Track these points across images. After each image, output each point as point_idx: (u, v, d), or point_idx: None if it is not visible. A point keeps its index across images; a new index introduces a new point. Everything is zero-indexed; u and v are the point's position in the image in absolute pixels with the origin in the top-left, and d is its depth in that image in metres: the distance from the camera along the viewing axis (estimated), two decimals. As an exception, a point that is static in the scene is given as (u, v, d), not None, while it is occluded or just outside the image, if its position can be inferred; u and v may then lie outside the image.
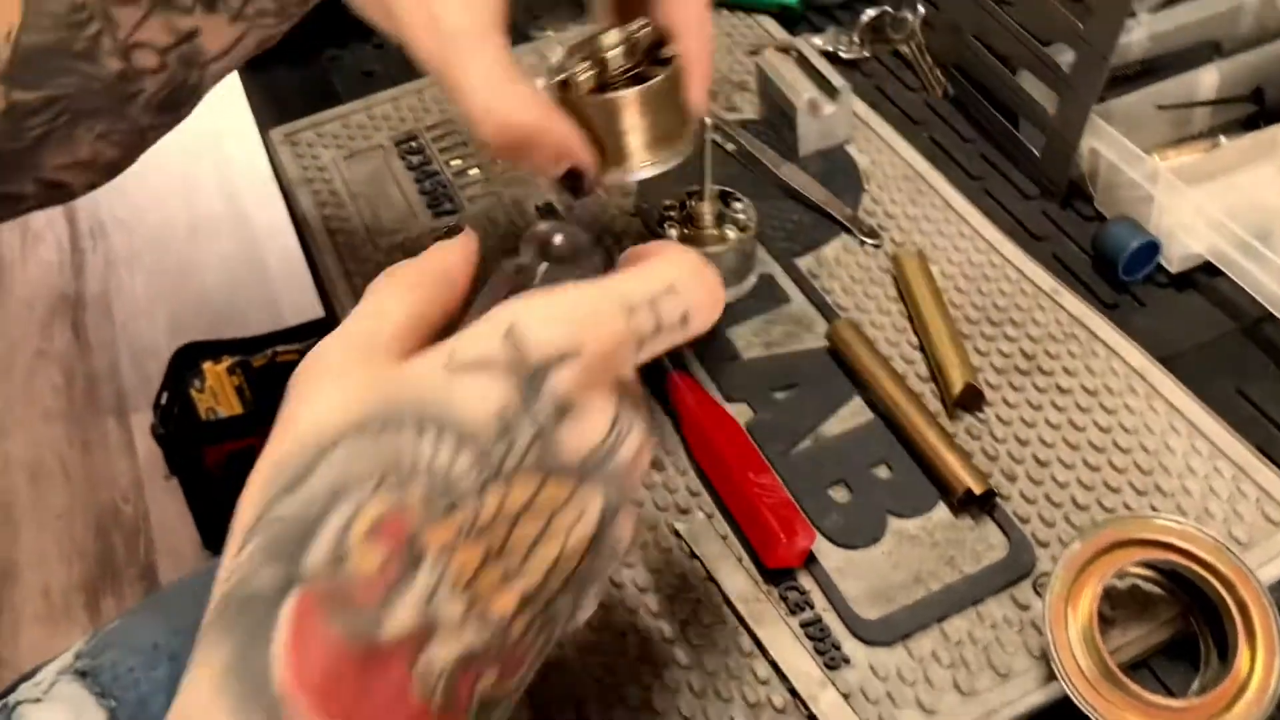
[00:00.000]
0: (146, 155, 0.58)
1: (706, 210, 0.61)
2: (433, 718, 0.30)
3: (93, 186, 0.58)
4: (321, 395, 0.33)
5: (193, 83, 0.54)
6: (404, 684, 0.30)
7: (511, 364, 0.31)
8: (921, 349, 0.60)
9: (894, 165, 0.69)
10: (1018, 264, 0.63)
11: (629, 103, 0.45)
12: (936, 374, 0.58)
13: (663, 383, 0.59)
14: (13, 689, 0.87)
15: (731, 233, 0.61)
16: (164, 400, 1.65)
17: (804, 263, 0.65)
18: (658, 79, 0.45)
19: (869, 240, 0.65)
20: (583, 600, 0.35)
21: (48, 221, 2.38)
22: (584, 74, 0.46)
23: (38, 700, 0.83)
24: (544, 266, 0.39)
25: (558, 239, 0.40)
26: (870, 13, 0.77)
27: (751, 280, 0.63)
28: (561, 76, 0.46)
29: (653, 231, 0.64)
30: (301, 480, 0.31)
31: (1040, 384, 0.58)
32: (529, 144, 0.44)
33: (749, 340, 0.62)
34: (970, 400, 0.57)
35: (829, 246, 0.66)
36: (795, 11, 0.80)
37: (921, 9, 0.77)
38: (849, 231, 0.66)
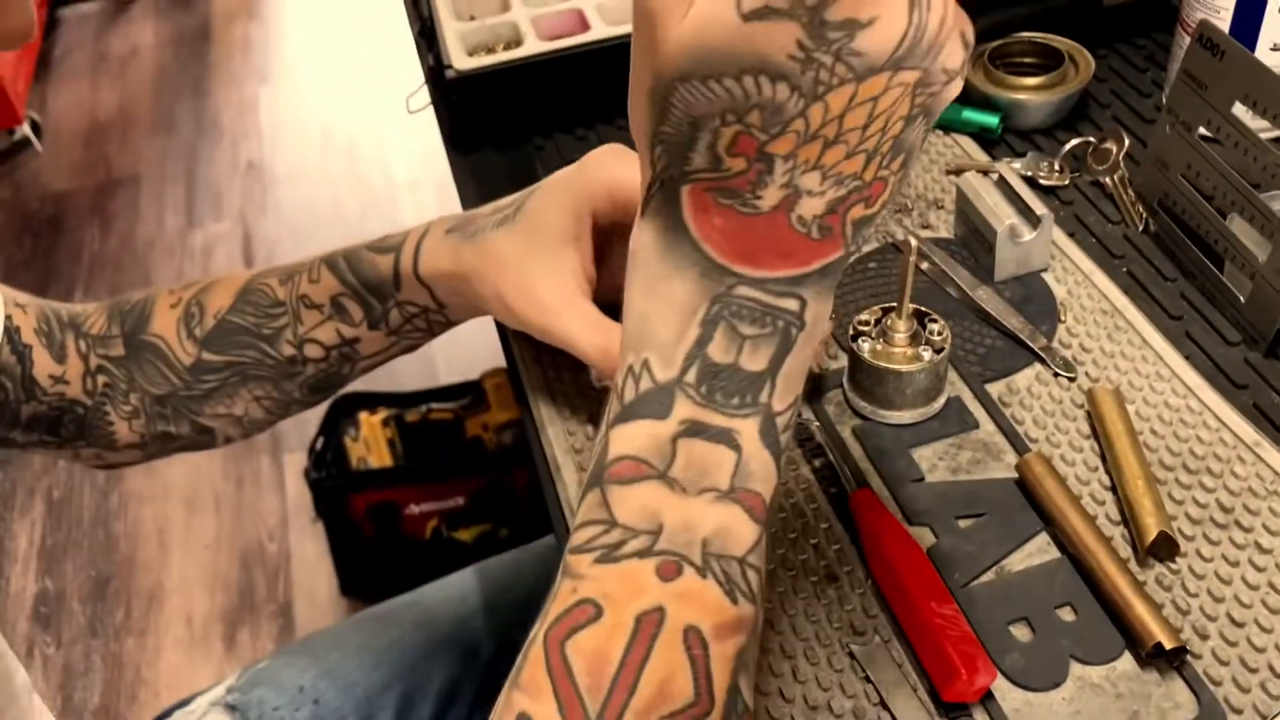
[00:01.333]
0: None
1: (901, 328, 0.61)
2: (814, 244, 0.39)
3: (229, 441, 0.71)
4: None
5: (344, 374, 0.68)
6: (786, 230, 0.39)
7: (791, 4, 0.35)
8: (1113, 490, 0.58)
9: (1091, 297, 0.69)
10: (1218, 412, 0.62)
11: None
12: (1128, 518, 0.57)
13: (845, 501, 0.59)
14: (168, 714, 0.91)
15: (926, 353, 0.61)
16: (319, 445, 1.71)
17: (995, 389, 0.65)
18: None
19: (1064, 373, 0.64)
20: (923, 126, 0.40)
21: (227, 263, 2.50)
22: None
23: (194, 726, 0.86)
24: None
25: None
26: (1073, 141, 0.77)
27: (941, 402, 0.63)
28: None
29: (844, 347, 0.65)
30: (664, 114, 0.38)
31: (1238, 539, 0.56)
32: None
33: (934, 463, 0.61)
34: (1163, 549, 0.55)
35: (1021, 375, 0.65)
36: (994, 134, 0.80)
37: (1126, 141, 0.77)
38: (1043, 362, 0.65)
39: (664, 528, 0.39)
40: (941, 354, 0.61)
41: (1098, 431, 0.61)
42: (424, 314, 0.66)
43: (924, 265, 0.71)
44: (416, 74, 0.98)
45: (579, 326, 0.59)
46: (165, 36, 3.33)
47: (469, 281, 0.62)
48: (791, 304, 0.40)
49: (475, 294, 0.62)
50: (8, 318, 0.64)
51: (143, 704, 1.78)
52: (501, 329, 0.70)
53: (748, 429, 0.40)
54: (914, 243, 0.58)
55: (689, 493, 0.40)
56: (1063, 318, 0.68)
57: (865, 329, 0.63)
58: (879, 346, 0.62)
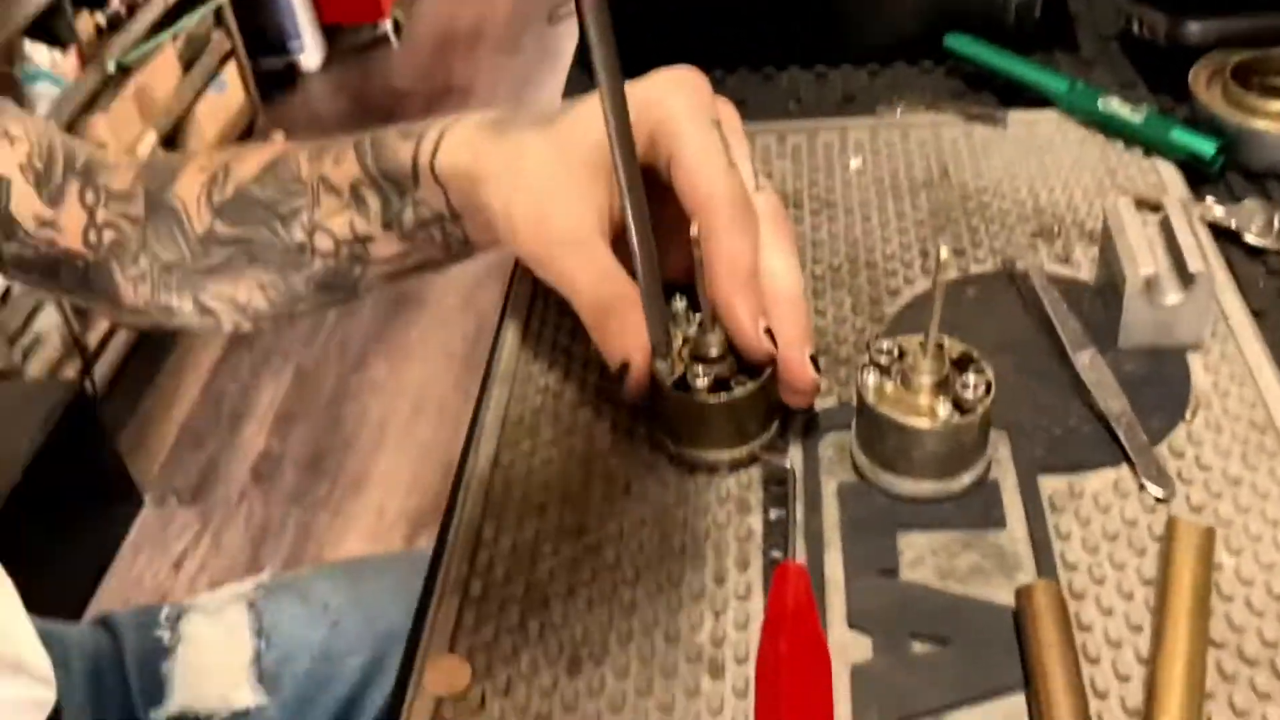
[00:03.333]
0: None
1: (925, 370, 0.46)
2: None
3: (235, 328, 0.66)
4: None
5: (353, 277, 0.60)
6: None
7: None
8: (1149, 665, 0.41)
9: (1244, 401, 0.49)
10: (1364, 603, 0.42)
11: (711, 406, 0.47)
12: (1146, 713, 0.39)
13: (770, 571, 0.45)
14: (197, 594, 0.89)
15: (944, 410, 0.45)
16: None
17: (1050, 485, 0.47)
18: (741, 391, 0.47)
19: (1154, 487, 0.46)
20: None
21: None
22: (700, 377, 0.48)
23: (207, 613, 0.83)
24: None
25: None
26: (1309, 194, 0.57)
27: (965, 481, 0.47)
28: (674, 377, 0.48)
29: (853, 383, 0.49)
30: None
31: (1308, 797, 0.37)
32: (608, 331, 0.48)
33: (921, 557, 0.45)
34: (1177, 774, 0.38)
35: (1095, 476, 0.47)
36: (1209, 167, 0.60)
37: (1391, 209, 0.55)
38: (1132, 466, 0.47)
39: None
40: (970, 415, 0.45)
41: (1162, 581, 0.43)
42: (439, 223, 0.56)
43: (1046, 300, 0.54)
44: None
45: (584, 269, 0.49)
46: (535, -38, 3.42)
47: (483, 186, 0.52)
48: None
49: (485, 205, 0.52)
50: None
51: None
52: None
53: None
54: (945, 254, 0.42)
55: None
56: (1189, 417, 0.49)
57: (882, 359, 0.47)
58: (889, 387, 0.46)
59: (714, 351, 0.47)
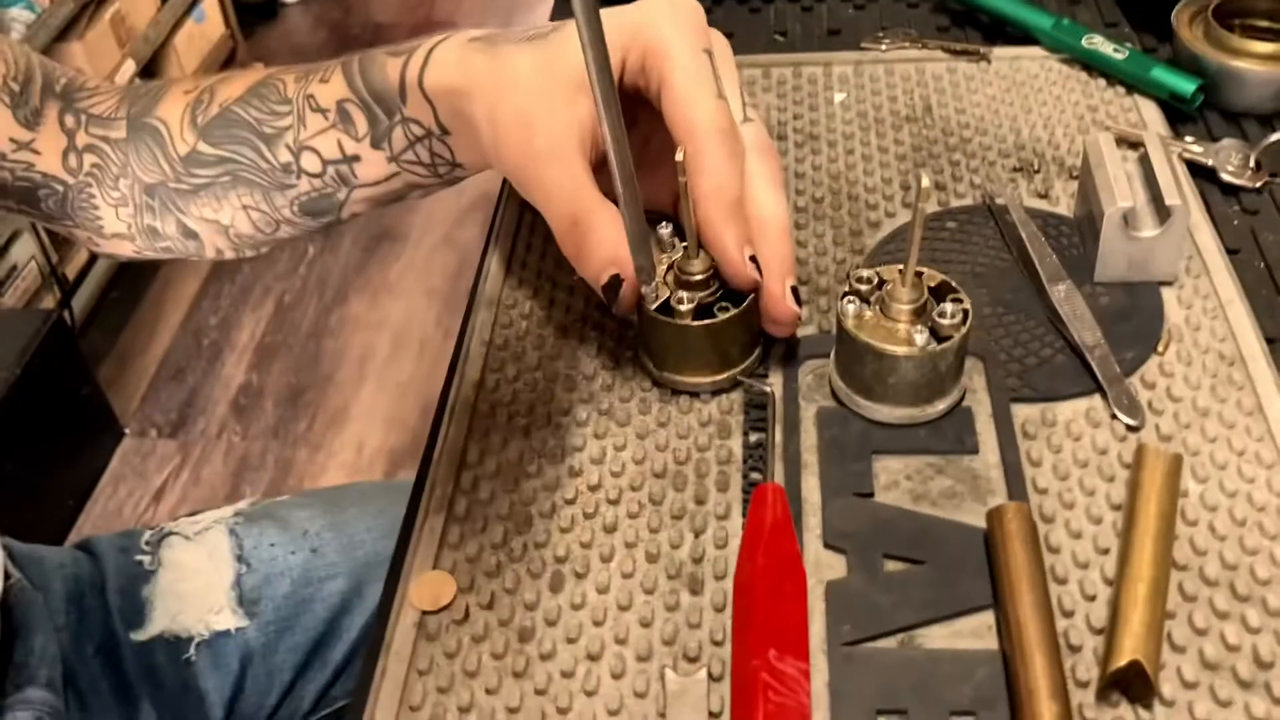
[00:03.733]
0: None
1: (904, 299, 0.46)
2: None
3: (218, 253, 0.65)
4: None
5: (337, 199, 0.59)
6: None
7: None
8: (1115, 585, 0.42)
9: (1215, 334, 0.50)
10: (1322, 529, 0.43)
11: (696, 330, 0.48)
12: (1109, 631, 0.40)
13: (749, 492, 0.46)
14: (177, 519, 0.89)
15: (921, 337, 0.46)
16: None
17: (1024, 412, 0.48)
18: (724, 317, 0.48)
19: (1124, 417, 0.47)
20: None
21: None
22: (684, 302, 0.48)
23: (188, 538, 0.84)
24: None
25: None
26: (1285, 133, 0.57)
27: (940, 407, 0.48)
28: (658, 302, 0.49)
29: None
30: None
31: (1258, 711, 0.39)
32: (586, 246, 0.47)
33: (896, 479, 0.46)
34: (1134, 686, 0.39)
35: (1068, 405, 0.49)
36: (1188, 106, 0.61)
37: (1365, 150, 0.56)
38: (1104, 396, 0.48)
39: None
40: (946, 344, 0.46)
41: (1129, 507, 0.44)
42: (427, 140, 0.56)
43: (1020, 235, 0.55)
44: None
45: (559, 183, 0.49)
46: (523, -106, 3.36)
47: (470, 99, 0.52)
48: None
49: (471, 117, 0.52)
50: None
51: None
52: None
53: None
54: (926, 182, 0.42)
55: None
56: (1161, 349, 0.50)
57: (862, 288, 0.48)
58: (868, 314, 0.47)
59: (698, 278, 0.48)
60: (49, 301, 1.96)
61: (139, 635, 0.77)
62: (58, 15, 2.02)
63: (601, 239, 0.47)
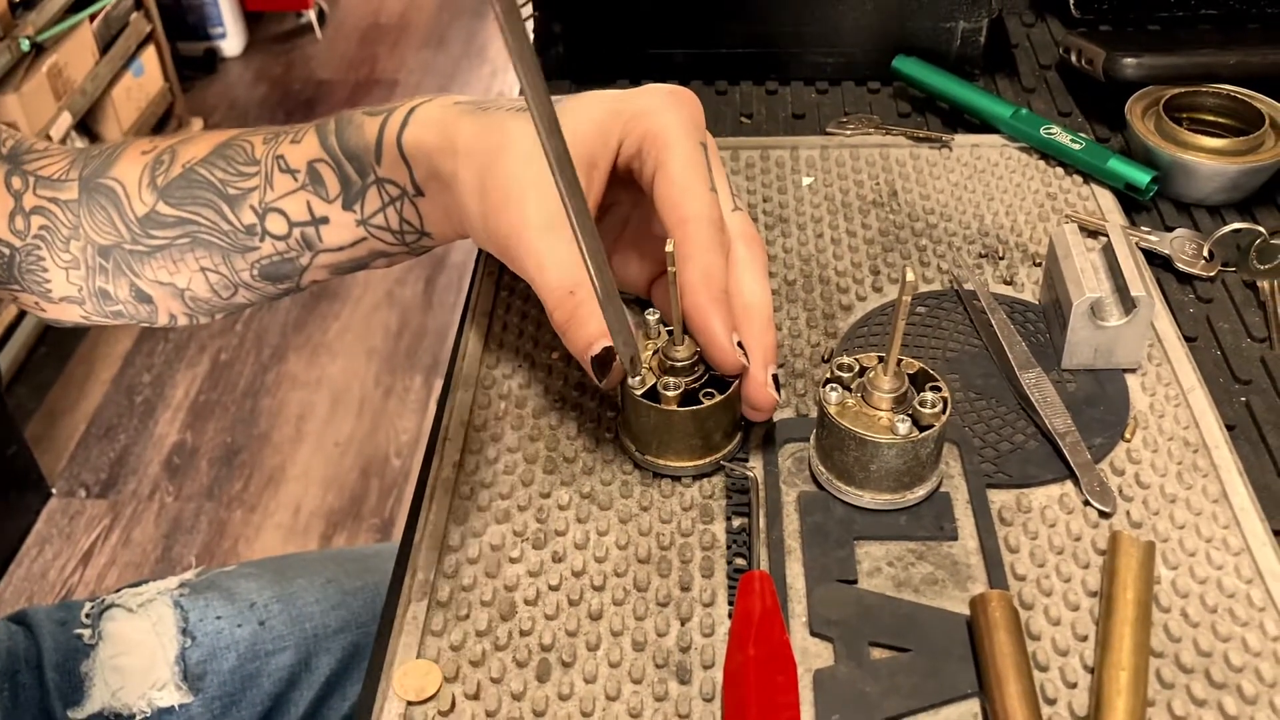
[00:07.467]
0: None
1: (885, 387, 0.47)
2: None
3: (171, 320, 0.63)
4: None
5: (299, 264, 0.58)
6: None
7: None
8: (1095, 673, 0.43)
9: (1179, 421, 0.52)
10: (1290, 615, 0.44)
11: (684, 416, 0.49)
12: (1093, 718, 0.41)
13: (736, 579, 0.46)
14: (120, 591, 0.87)
15: (904, 426, 0.47)
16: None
17: (1000, 499, 0.49)
18: (710, 403, 0.49)
19: (1096, 503, 0.49)
20: None
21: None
22: (671, 389, 0.49)
23: (130, 610, 0.81)
24: None
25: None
26: (1236, 227, 0.60)
27: (919, 493, 0.49)
28: (643, 389, 0.49)
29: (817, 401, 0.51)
30: None
31: (1241, 798, 0.39)
32: (578, 316, 0.48)
33: (879, 566, 0.47)
34: (1123, 776, 0.40)
35: (1042, 491, 0.50)
36: (1143, 196, 0.63)
37: (1311, 243, 0.59)
38: (1076, 482, 0.50)
39: None
40: (928, 432, 0.47)
41: (1105, 594, 0.45)
42: (399, 202, 0.56)
43: (993, 321, 0.56)
44: None
45: (552, 256, 0.48)
46: (462, -44, 3.40)
47: (454, 160, 0.51)
48: None
49: (455, 179, 0.51)
50: None
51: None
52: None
53: None
54: (911, 275, 0.43)
55: None
56: (1128, 436, 0.51)
57: (843, 375, 0.49)
58: (850, 402, 0.48)
59: (683, 363, 0.49)
60: (-24, 357, 1.91)
61: (77, 713, 0.74)
62: (-6, 67, 1.99)
63: (595, 310, 0.46)
